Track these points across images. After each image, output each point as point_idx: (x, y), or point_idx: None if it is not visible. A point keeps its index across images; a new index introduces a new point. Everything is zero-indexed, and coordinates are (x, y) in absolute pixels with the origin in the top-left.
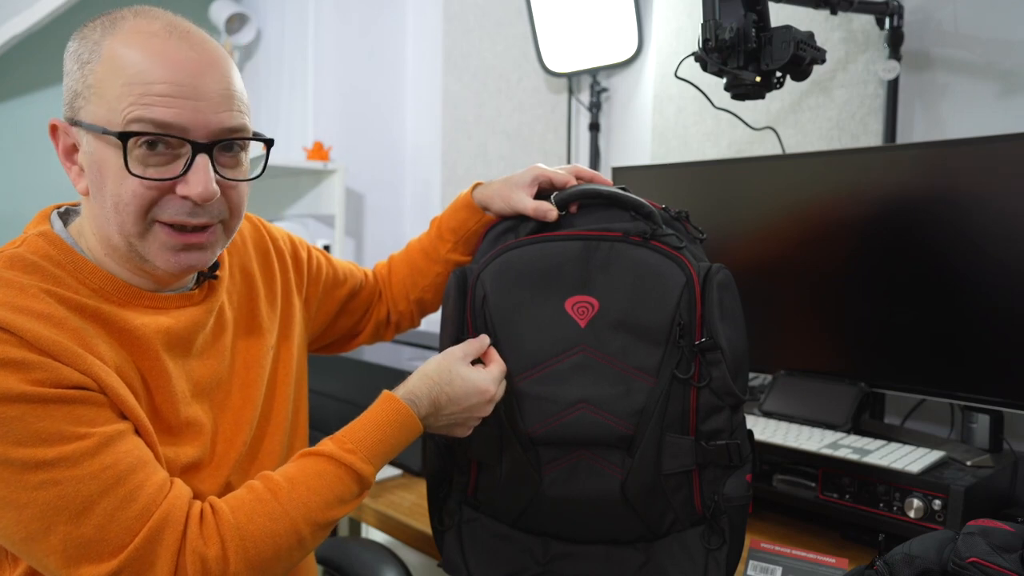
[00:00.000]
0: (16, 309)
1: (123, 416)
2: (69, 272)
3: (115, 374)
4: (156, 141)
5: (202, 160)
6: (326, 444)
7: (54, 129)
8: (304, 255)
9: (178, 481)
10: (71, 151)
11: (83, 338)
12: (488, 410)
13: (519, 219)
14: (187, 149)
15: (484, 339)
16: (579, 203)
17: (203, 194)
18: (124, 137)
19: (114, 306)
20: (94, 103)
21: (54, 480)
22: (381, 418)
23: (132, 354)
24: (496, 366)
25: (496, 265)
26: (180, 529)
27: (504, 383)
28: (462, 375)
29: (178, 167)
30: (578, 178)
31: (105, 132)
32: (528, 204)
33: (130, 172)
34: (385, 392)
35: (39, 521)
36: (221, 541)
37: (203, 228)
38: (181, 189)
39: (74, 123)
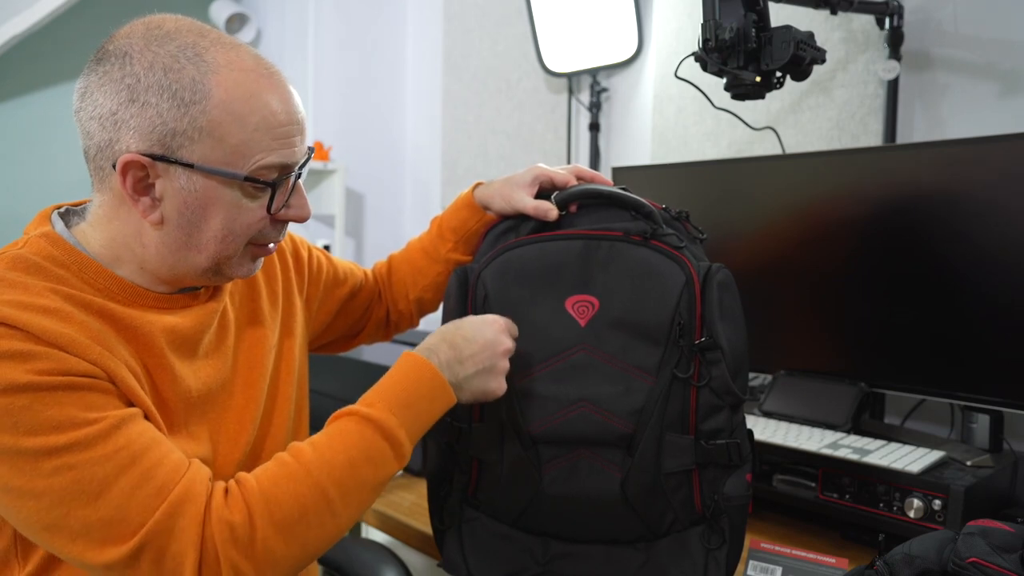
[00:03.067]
0: (21, 306)
1: (132, 404)
2: (73, 272)
3: (124, 366)
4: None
5: (299, 184)
6: (349, 406)
7: (127, 165)
8: (305, 254)
9: (196, 461)
10: (143, 184)
11: (91, 331)
12: (508, 342)
13: (520, 219)
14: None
15: None
16: (579, 203)
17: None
18: (272, 185)
19: (119, 305)
20: (206, 144)
21: (68, 465)
22: (400, 372)
23: (138, 351)
24: None
25: (497, 264)
26: (202, 502)
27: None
28: (468, 319)
29: (284, 194)
30: (579, 178)
31: (234, 176)
32: (528, 203)
33: (270, 212)
34: (404, 351)
35: (58, 507)
36: (247, 507)
37: None
38: (286, 213)
39: (166, 160)
